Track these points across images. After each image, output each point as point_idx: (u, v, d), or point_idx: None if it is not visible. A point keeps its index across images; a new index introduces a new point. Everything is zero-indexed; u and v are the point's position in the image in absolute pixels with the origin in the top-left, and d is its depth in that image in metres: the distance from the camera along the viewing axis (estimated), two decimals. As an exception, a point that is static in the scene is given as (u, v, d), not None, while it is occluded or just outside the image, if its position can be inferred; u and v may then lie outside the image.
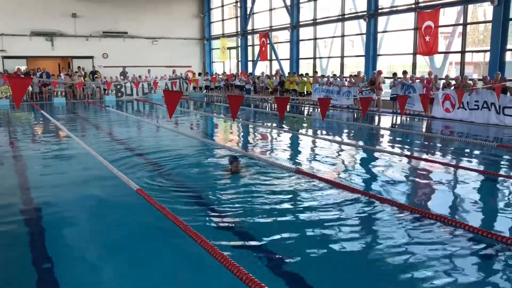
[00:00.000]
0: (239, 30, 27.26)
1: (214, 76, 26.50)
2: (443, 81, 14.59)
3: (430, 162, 7.92)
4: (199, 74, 27.11)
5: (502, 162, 8.23)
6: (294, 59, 23.03)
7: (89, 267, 3.93)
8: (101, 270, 3.91)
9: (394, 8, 18.08)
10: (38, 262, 4.08)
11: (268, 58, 24.92)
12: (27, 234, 4.76)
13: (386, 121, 14.57)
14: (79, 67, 24.82)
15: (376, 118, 15.10)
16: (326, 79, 19.26)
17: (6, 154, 9.09)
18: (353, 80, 17.79)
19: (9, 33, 24.15)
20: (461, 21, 15.86)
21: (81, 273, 3.82)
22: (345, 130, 12.66)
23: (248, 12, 26.33)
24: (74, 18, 25.65)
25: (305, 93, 20.08)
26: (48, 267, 3.98)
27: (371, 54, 18.49)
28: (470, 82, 13.84)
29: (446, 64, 17.48)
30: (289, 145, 10.37)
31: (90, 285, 3.66)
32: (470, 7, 16.27)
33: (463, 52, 15.69)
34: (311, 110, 17.95)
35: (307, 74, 20.60)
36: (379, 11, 18.34)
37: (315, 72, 20.97)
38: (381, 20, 18.51)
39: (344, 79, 18.66)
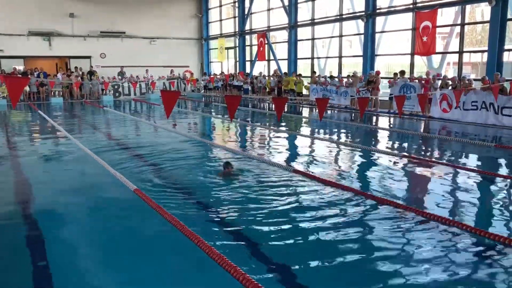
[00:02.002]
0: (237, 30, 27.24)
1: (212, 76, 26.48)
2: (440, 81, 14.60)
3: (427, 162, 7.92)
4: (197, 80, 27.01)
5: (500, 162, 8.23)
6: (292, 59, 23.02)
7: (85, 266, 3.91)
8: (98, 269, 3.89)
9: (392, 8, 18.10)
10: (35, 261, 4.06)
11: (266, 58, 24.91)
12: (23, 233, 4.73)
13: (383, 121, 14.57)
14: (76, 67, 24.78)
15: (374, 118, 15.11)
16: (323, 79, 19.27)
17: (2, 155, 9.05)
18: (351, 81, 17.79)
19: (7, 33, 24.07)
20: (459, 22, 15.88)
21: (77, 272, 3.80)
22: (343, 130, 12.65)
23: (246, 12, 26.32)
24: (72, 18, 25.60)
25: (302, 93, 20.09)
26: (44, 264, 3.97)
27: (369, 54, 18.50)
28: (468, 82, 13.85)
29: (444, 65, 17.50)
30: (287, 145, 10.36)
31: (85, 284, 3.64)
32: (468, 7, 16.30)
33: (461, 52, 15.70)
34: (308, 110, 17.94)
35: (300, 74, 20.62)
36: (377, 11, 18.35)
37: (313, 72, 20.96)
38: (379, 20, 18.52)
39: (341, 79, 18.67)
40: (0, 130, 12.85)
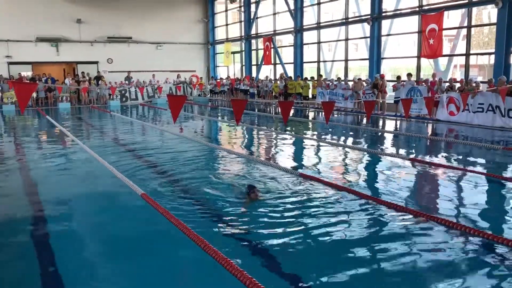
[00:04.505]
0: (243, 34, 27.32)
1: (218, 80, 26.56)
2: (447, 83, 14.55)
3: (435, 165, 7.87)
4: (202, 84, 27.10)
5: (507, 165, 8.17)
6: (298, 63, 23.03)
7: (93, 271, 3.94)
8: (105, 273, 3.91)
9: (398, 11, 18.07)
10: (43, 265, 4.09)
11: (272, 62, 24.96)
12: (31, 235, 4.78)
13: (390, 124, 14.52)
14: (83, 72, 24.96)
15: (381, 121, 15.06)
16: (329, 82, 19.25)
17: (11, 159, 9.13)
18: (354, 85, 17.75)
19: (15, 39, 24.32)
20: (465, 24, 15.81)
21: (84, 276, 3.82)
22: (350, 134, 12.61)
23: (252, 17, 26.40)
24: (79, 23, 25.81)
25: (309, 96, 20.08)
26: (53, 270, 3.99)
27: (375, 57, 18.47)
28: (475, 85, 13.79)
29: (451, 67, 17.42)
30: (293, 149, 10.35)
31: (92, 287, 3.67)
32: (475, 9, 16.24)
33: (467, 54, 15.63)
34: (315, 114, 17.93)
35: (306, 78, 20.65)
36: (383, 14, 18.33)
37: (319, 75, 20.95)
38: (385, 24, 18.49)
39: (347, 82, 18.65)
40: (9, 135, 12.97)
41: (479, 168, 7.81)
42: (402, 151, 9.66)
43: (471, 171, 7.38)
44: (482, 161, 8.64)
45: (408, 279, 3.69)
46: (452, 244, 4.33)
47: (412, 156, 8.88)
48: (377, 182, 6.97)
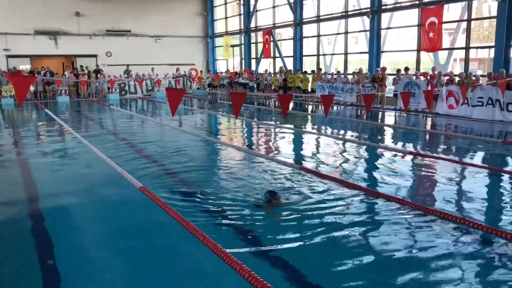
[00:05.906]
0: (242, 27, 27.23)
1: (218, 74, 26.49)
2: (446, 77, 14.52)
3: (434, 158, 7.87)
4: (202, 78, 27.07)
5: (507, 158, 8.17)
6: (298, 56, 22.98)
7: (91, 264, 3.94)
8: (103, 267, 3.92)
9: (398, 5, 18.00)
10: (41, 258, 4.09)
11: (272, 55, 24.89)
12: (30, 230, 4.77)
13: (389, 118, 14.50)
14: (81, 66, 24.88)
15: (380, 115, 15.04)
16: (330, 76, 19.21)
17: (10, 153, 9.11)
18: (356, 77, 17.71)
19: (13, 32, 24.21)
20: (465, 17, 15.76)
21: (83, 269, 3.83)
22: (348, 127, 12.60)
23: (251, 10, 26.29)
24: (78, 17, 25.69)
25: (309, 90, 20.04)
26: (51, 263, 3.99)
27: (374, 51, 18.42)
28: (474, 78, 13.76)
29: (451, 61, 17.39)
30: (291, 142, 10.34)
31: (91, 281, 3.66)
32: (475, 3, 16.17)
33: (467, 48, 15.59)
34: (314, 107, 17.91)
35: (306, 71, 20.61)
36: (383, 7, 18.26)
37: (319, 69, 20.91)
38: (385, 17, 18.43)
39: (346, 76, 18.61)
40: (7, 128, 12.94)
41: (478, 162, 7.81)
42: (400, 144, 9.64)
43: (470, 165, 7.39)
44: (481, 154, 8.64)
45: (407, 272, 3.70)
46: (451, 237, 4.33)
47: (410, 149, 8.87)
48: (376, 175, 6.96)
